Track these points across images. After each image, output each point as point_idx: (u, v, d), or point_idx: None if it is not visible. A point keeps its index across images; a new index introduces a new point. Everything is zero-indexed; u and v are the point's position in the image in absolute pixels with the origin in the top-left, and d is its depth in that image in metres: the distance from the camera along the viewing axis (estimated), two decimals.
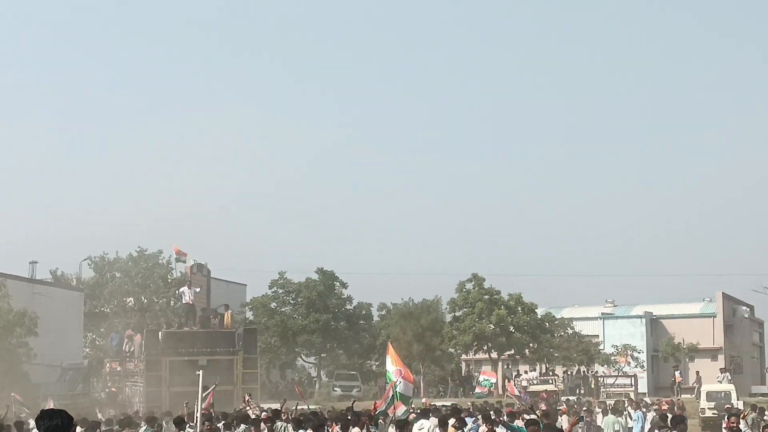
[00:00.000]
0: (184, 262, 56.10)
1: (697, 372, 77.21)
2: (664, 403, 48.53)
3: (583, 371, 73.60)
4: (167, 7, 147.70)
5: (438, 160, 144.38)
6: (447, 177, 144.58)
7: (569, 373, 73.18)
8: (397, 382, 30.18)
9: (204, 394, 25.62)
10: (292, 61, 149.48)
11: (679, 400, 58.72)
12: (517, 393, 50.35)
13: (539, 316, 75.89)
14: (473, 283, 74.92)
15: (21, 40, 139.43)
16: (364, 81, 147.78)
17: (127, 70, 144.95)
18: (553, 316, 78.86)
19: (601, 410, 41.32)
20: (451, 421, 27.17)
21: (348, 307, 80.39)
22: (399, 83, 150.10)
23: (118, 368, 51.73)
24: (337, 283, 79.38)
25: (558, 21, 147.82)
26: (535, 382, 67.93)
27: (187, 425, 25.54)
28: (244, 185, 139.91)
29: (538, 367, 74.67)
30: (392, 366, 31.25)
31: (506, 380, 64.69)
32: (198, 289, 50.16)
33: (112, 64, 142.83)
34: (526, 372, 73.30)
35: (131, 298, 73.89)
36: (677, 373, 77.33)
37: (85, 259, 77.17)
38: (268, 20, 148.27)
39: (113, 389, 50.32)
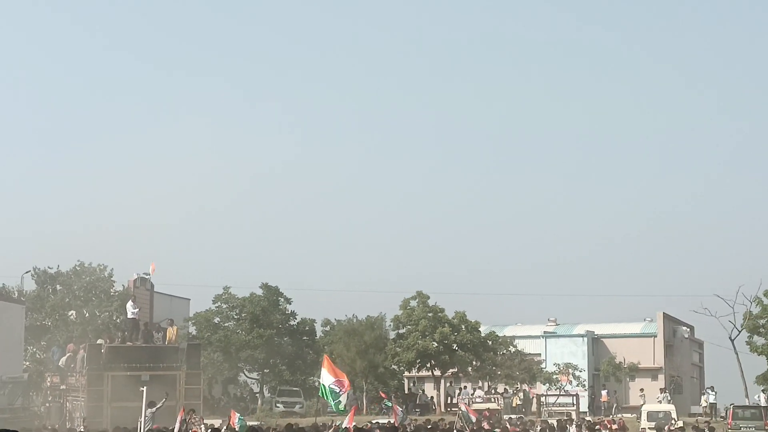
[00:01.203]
0: (149, 277, 55.69)
1: (642, 390, 77.86)
2: (606, 422, 48.96)
3: (525, 390, 74.01)
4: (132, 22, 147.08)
5: (383, 176, 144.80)
6: (391, 193, 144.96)
7: (511, 391, 73.52)
8: (340, 391, 30.23)
9: (155, 409, 25.54)
10: (243, 78, 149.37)
11: (620, 419, 59.30)
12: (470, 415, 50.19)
13: (482, 334, 76.20)
14: (417, 300, 75.11)
15: None
16: (311, 100, 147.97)
17: (74, 82, 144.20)
18: (496, 335, 79.19)
19: (540, 429, 41.60)
20: None
21: (292, 322, 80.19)
22: (345, 102, 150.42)
23: (60, 383, 51.25)
24: (281, 299, 79.21)
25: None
26: (479, 400, 68.16)
27: None
28: (189, 200, 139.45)
29: (482, 385, 75.01)
30: (330, 377, 31.26)
31: (461, 401, 64.61)
32: (137, 310, 49.67)
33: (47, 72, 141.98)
34: (474, 390, 73.53)
35: (73, 312, 73.24)
36: (604, 393, 78.17)
37: (27, 272, 76.47)
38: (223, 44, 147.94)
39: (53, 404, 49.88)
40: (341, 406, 30.64)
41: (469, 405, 61.06)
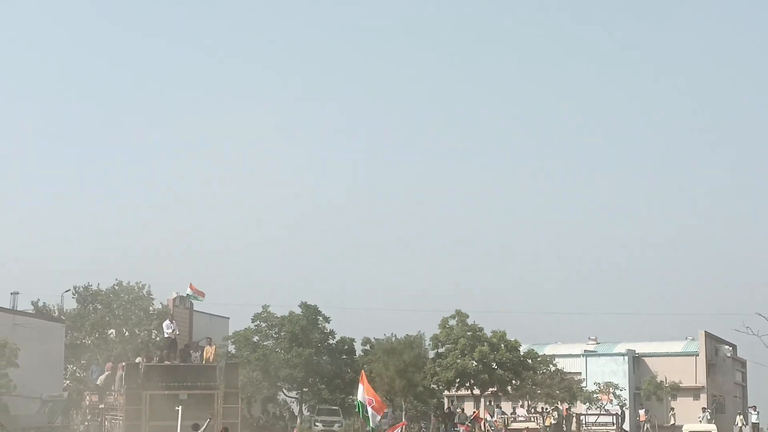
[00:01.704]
0: (200, 301, 55.61)
1: (672, 408, 77.19)
2: None
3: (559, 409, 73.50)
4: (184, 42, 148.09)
5: (423, 195, 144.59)
6: (431, 212, 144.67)
7: (546, 410, 73.01)
8: (368, 411, 30.12)
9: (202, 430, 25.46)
10: (286, 111, 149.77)
11: None
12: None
13: (522, 353, 75.74)
14: (456, 319, 74.82)
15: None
16: (350, 126, 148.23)
17: (117, 103, 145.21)
18: (536, 353, 78.72)
19: None
20: None
21: (331, 341, 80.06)
22: (380, 124, 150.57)
23: (98, 402, 51.28)
24: (320, 318, 79.12)
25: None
26: (520, 419, 67.83)
27: None
28: (229, 221, 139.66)
29: (523, 404, 74.53)
30: (364, 395, 31.17)
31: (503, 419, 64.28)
32: (170, 330, 49.57)
33: (100, 93, 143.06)
34: (514, 409, 73.05)
35: (113, 330, 73.44)
36: (642, 412, 77.49)
37: (67, 291, 76.80)
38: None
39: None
40: (371, 424, 30.49)
41: (507, 424, 60.83)
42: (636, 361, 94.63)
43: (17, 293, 73.56)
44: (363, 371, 37.37)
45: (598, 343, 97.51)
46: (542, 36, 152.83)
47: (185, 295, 52.94)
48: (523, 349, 77.00)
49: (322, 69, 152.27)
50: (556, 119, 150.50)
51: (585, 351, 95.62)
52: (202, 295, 52.88)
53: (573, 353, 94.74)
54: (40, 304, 76.98)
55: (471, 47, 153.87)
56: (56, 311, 76.42)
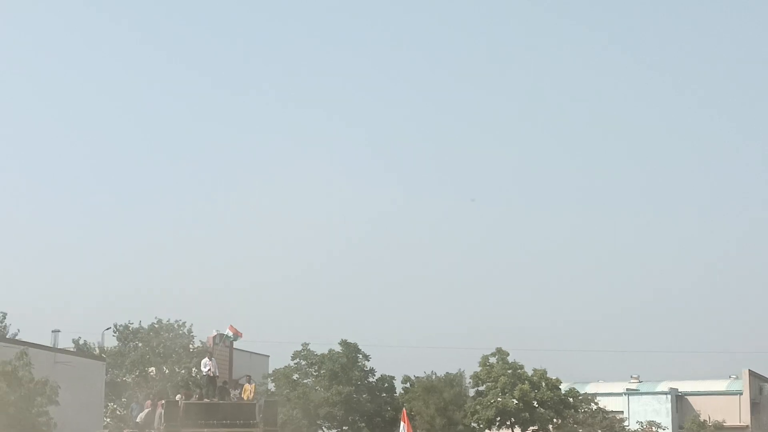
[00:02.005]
0: (237, 339, 55.65)
1: None
2: None
3: None
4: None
5: (462, 231, 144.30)
6: (471, 248, 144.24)
7: None
8: None
9: None
10: (321, 151, 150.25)
11: None
12: None
13: (563, 392, 75.25)
14: (497, 357, 74.52)
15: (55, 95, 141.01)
16: (387, 160, 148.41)
17: (158, 134, 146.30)
18: (578, 392, 78.19)
19: None
20: None
21: (371, 379, 79.81)
22: (422, 155, 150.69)
23: None
24: (360, 355, 78.94)
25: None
26: None
27: None
28: (268, 258, 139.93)
29: None
30: None
31: None
32: (207, 369, 49.59)
33: (145, 126, 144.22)
34: None
35: (153, 368, 73.62)
36: None
37: (107, 329, 77.18)
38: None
39: None
40: None
41: None
42: (679, 399, 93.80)
43: (58, 331, 74.01)
44: (405, 410, 37.24)
45: (640, 382, 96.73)
46: (593, 76, 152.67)
47: (224, 336, 52.99)
48: (564, 387, 76.52)
49: (360, 99, 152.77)
50: (598, 155, 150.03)
51: (627, 389, 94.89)
52: (241, 335, 52.89)
53: (615, 392, 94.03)
54: (81, 342, 77.33)
55: (522, 86, 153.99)
56: (97, 349, 76.72)
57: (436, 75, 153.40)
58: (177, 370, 73.12)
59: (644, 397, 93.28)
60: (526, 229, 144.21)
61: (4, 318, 76.78)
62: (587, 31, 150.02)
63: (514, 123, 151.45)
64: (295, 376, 78.07)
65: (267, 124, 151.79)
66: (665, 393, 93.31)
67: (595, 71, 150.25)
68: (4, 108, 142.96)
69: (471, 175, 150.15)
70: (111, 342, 77.45)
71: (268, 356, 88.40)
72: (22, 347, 57.14)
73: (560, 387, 75.03)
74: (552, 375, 74.62)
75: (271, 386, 79.19)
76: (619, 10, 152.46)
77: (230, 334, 51.86)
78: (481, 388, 74.46)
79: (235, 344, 57.20)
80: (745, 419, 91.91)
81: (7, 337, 71.17)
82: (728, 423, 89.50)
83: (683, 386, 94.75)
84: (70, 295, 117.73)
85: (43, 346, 66.31)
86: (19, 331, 75.62)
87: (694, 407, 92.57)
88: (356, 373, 77.88)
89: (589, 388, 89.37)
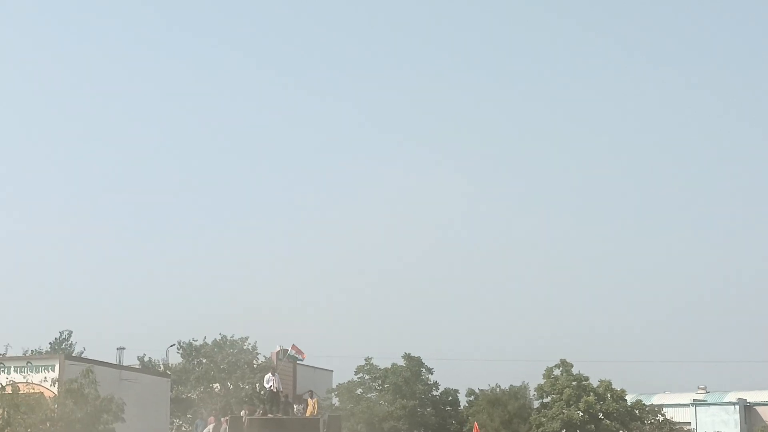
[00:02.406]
0: (301, 361, 55.77)
1: None
2: None
3: None
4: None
5: (524, 240, 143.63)
6: (533, 258, 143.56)
7: None
8: None
9: None
10: (379, 166, 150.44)
11: None
12: None
13: (629, 403, 74.55)
14: (561, 369, 74.01)
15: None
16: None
17: (217, 163, 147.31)
18: (644, 403, 77.39)
19: None
20: None
21: (434, 393, 79.56)
22: (488, 179, 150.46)
23: None
24: (424, 369, 78.73)
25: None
26: None
27: None
28: (331, 273, 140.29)
29: None
30: None
31: None
32: (269, 385, 49.68)
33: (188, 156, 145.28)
34: None
35: (217, 384, 73.96)
36: None
37: (172, 345, 77.71)
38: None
39: None
40: None
41: None
42: (747, 410, 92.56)
43: (123, 348, 74.66)
44: (476, 423, 37.07)
45: (707, 392, 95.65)
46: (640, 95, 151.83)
47: (288, 355, 53.14)
48: (630, 398, 75.82)
49: (430, 119, 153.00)
50: (656, 167, 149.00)
51: (694, 400, 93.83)
52: (303, 355, 52.94)
53: (682, 403, 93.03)
54: (146, 359, 77.93)
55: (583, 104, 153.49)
56: (161, 366, 77.23)
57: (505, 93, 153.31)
58: (241, 385, 73.40)
59: (712, 407, 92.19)
60: (588, 241, 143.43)
61: (70, 336, 77.71)
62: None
63: (572, 135, 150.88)
64: (359, 391, 78.01)
65: (342, 142, 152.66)
66: (733, 403, 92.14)
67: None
68: (91, 131, 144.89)
69: (530, 190, 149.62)
70: (175, 359, 78.07)
71: (332, 371, 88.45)
72: (88, 365, 57.65)
73: (626, 398, 74.36)
74: (617, 386, 74.04)
75: (335, 401, 79.20)
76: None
77: (293, 353, 51.97)
78: (545, 400, 74.02)
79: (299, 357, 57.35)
80: None
81: (73, 354, 71.94)
82: None
83: (751, 396, 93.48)
84: (134, 313, 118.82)
85: (109, 363, 66.82)
86: (84, 349, 76.59)
87: (763, 418, 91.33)
88: (420, 386, 77.70)
89: (656, 399, 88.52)
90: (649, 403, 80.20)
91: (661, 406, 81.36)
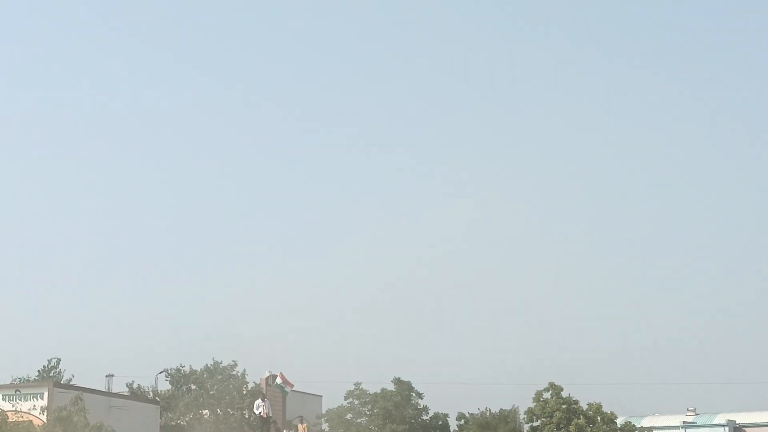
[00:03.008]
0: (287, 393, 55.74)
1: None
2: None
3: None
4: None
5: (513, 267, 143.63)
6: (522, 282, 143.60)
7: None
8: None
9: None
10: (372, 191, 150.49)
11: None
12: None
13: (619, 426, 74.49)
14: (551, 392, 73.90)
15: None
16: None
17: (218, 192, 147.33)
18: (633, 426, 77.27)
19: None
20: None
21: (425, 417, 79.46)
22: (483, 200, 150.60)
23: None
24: (414, 393, 78.63)
25: None
26: None
27: None
28: (319, 297, 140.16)
29: None
30: None
31: None
32: (259, 411, 49.61)
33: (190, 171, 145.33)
34: None
35: (207, 411, 73.77)
36: None
37: (161, 372, 77.53)
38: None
39: None
40: None
41: None
42: (737, 431, 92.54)
43: (112, 375, 74.41)
44: None
45: (697, 414, 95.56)
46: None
47: (275, 385, 53.14)
48: (619, 421, 75.70)
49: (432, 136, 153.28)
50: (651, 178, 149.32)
51: (684, 422, 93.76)
52: (291, 385, 52.93)
53: (671, 425, 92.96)
54: (135, 386, 77.70)
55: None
56: (150, 393, 77.03)
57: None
58: (230, 412, 73.24)
59: (701, 429, 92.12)
60: (576, 265, 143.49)
61: (58, 364, 77.41)
62: None
63: (537, 161, 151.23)
64: (349, 416, 77.85)
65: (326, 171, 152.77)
66: (723, 425, 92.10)
67: None
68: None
69: (520, 214, 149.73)
70: (164, 386, 77.85)
71: (321, 396, 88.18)
72: (77, 392, 57.62)
73: (616, 421, 74.24)
74: (607, 409, 73.88)
75: (325, 426, 79.06)
76: None
77: (280, 382, 51.93)
78: (535, 424, 73.86)
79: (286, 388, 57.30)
80: None
81: (61, 382, 71.72)
82: None
83: (741, 418, 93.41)
84: (123, 340, 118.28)
85: (98, 390, 66.79)
86: (73, 376, 76.31)
87: None
88: (410, 411, 77.58)
89: (645, 422, 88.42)
90: (639, 426, 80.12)
91: (651, 429, 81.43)
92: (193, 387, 75.50)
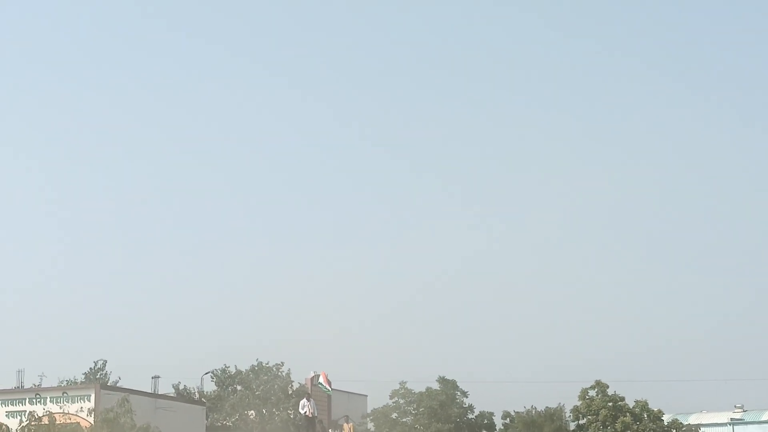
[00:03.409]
0: (328, 392, 55.87)
1: None
2: None
3: None
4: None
5: (557, 263, 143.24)
6: (567, 281, 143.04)
7: None
8: None
9: None
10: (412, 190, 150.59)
11: None
12: None
13: (666, 423, 74.08)
14: (597, 390, 73.60)
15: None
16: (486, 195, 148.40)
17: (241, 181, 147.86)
18: (681, 423, 76.89)
19: None
20: None
21: (470, 416, 79.32)
22: (517, 189, 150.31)
23: None
24: (459, 392, 78.52)
25: None
26: None
27: None
28: (364, 297, 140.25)
29: None
30: None
31: None
32: (305, 410, 49.65)
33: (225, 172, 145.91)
34: None
35: (252, 411, 73.96)
36: None
37: (206, 373, 77.79)
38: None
39: None
40: None
41: None
42: None
43: (158, 377, 74.78)
44: None
45: (745, 411, 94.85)
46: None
47: (317, 383, 53.25)
48: (666, 418, 75.28)
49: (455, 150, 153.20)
50: (685, 188, 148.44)
51: (731, 419, 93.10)
52: (330, 386, 53.08)
53: (719, 422, 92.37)
54: (181, 387, 78.07)
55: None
56: (196, 394, 77.34)
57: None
58: (276, 412, 73.40)
59: (750, 426, 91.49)
60: (621, 259, 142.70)
61: (105, 365, 77.97)
62: None
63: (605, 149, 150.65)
64: (394, 415, 77.86)
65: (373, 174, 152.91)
66: None
67: None
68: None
69: (566, 213, 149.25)
70: (210, 386, 78.13)
71: (366, 396, 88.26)
72: (124, 394, 57.93)
73: (663, 418, 73.82)
74: (654, 406, 73.52)
75: (371, 426, 79.12)
76: None
77: (322, 382, 52.05)
78: (581, 422, 73.58)
79: (333, 384, 57.40)
80: None
81: (108, 384, 72.19)
82: None
83: None
84: (168, 341, 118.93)
85: (144, 392, 67.06)
86: (119, 378, 76.85)
87: None
88: (455, 410, 77.48)
89: (693, 419, 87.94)
90: (687, 423, 79.71)
91: (698, 426, 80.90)
92: (238, 388, 75.74)
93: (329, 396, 75.91)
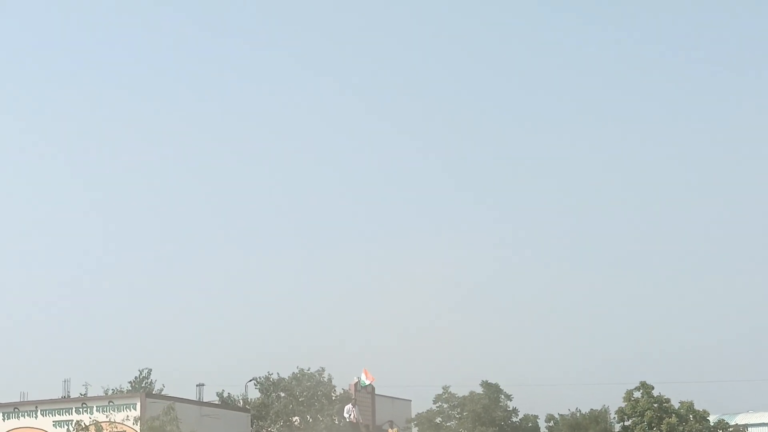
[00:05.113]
0: (365, 384, 55.94)
1: None
2: None
3: None
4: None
5: (596, 263, 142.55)
6: (605, 280, 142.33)
7: None
8: None
9: None
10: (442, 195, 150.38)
11: None
12: None
13: (712, 424, 73.67)
14: (641, 391, 73.30)
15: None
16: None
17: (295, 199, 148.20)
18: (727, 423, 76.39)
19: None
20: None
21: (514, 419, 79.15)
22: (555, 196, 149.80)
23: None
24: (502, 396, 78.39)
25: None
26: None
27: None
28: (406, 301, 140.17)
29: None
30: None
31: None
32: (349, 415, 49.71)
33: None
34: None
35: (297, 417, 74.15)
36: None
37: (250, 380, 78.07)
38: None
39: None
40: None
41: None
42: None
43: (203, 385, 75.09)
44: None
45: None
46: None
47: (360, 381, 53.36)
48: (713, 419, 74.84)
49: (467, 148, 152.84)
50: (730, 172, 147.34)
51: None
52: (373, 379, 53.13)
53: (767, 422, 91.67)
54: (225, 394, 78.37)
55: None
56: (241, 401, 77.66)
57: None
58: (320, 418, 73.55)
59: None
60: (663, 261, 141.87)
61: (150, 374, 78.39)
62: None
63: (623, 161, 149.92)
64: (438, 420, 77.81)
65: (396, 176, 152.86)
66: None
67: None
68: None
69: (604, 200, 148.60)
70: (254, 394, 78.39)
71: (410, 400, 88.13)
72: (169, 402, 58.26)
73: (709, 419, 73.40)
74: (699, 407, 73.09)
75: (415, 431, 79.12)
76: None
77: (364, 378, 52.19)
78: (627, 424, 73.27)
79: (377, 390, 57.49)
80: None
81: (153, 392, 72.59)
82: None
83: None
84: (212, 349, 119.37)
85: (189, 400, 67.40)
86: (164, 386, 77.21)
87: None
88: (499, 413, 77.32)
89: (740, 419, 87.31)
90: (733, 423, 79.15)
91: (746, 426, 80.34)
92: (282, 394, 75.93)
93: (372, 401, 75.96)
